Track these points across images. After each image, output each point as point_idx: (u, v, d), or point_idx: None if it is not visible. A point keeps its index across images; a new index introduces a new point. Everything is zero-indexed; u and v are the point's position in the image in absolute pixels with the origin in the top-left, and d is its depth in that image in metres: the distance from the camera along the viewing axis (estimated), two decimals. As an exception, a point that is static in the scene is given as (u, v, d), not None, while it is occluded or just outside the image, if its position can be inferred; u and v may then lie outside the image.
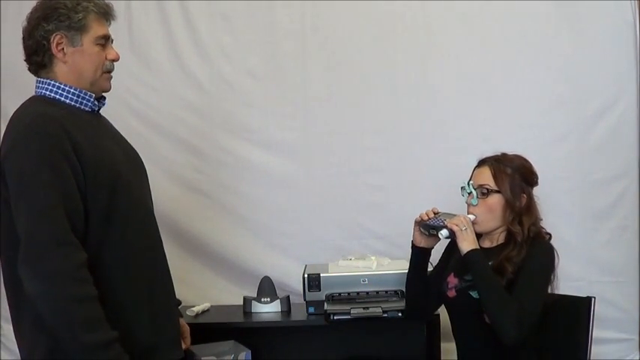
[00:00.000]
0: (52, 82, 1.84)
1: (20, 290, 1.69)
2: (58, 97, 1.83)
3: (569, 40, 3.01)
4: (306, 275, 2.69)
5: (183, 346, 2.06)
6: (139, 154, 2.01)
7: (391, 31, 3.07)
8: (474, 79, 3.04)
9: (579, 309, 2.22)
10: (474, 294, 2.09)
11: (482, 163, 2.22)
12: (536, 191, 2.21)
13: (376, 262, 2.74)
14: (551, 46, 3.01)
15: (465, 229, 2.11)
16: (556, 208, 2.61)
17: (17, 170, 1.70)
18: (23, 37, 1.86)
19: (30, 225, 1.66)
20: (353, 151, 3.09)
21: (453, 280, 2.19)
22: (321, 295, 2.67)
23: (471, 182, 2.19)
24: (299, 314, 2.77)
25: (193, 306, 2.85)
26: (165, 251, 1.98)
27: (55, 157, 1.69)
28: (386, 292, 2.65)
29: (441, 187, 2.75)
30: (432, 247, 2.26)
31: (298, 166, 3.10)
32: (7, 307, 1.81)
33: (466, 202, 2.20)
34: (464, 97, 3.03)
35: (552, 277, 2.12)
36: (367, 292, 2.65)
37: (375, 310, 2.54)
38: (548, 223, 2.22)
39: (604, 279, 2.99)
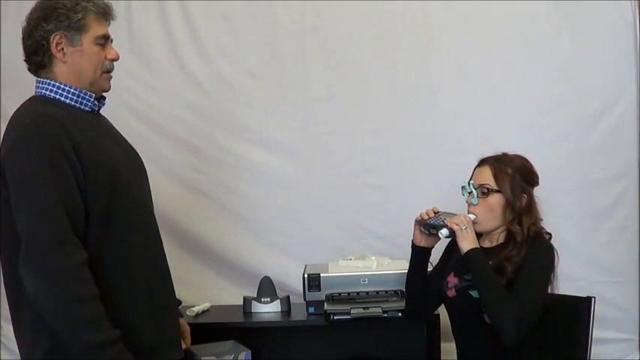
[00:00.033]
0: (52, 82, 1.84)
1: (20, 290, 1.69)
2: (58, 97, 1.83)
3: (569, 40, 3.01)
4: (306, 275, 2.69)
5: (184, 346, 2.06)
6: (139, 154, 2.01)
7: (391, 31, 3.07)
8: (474, 79, 3.04)
9: (579, 309, 2.21)
10: (474, 293, 2.09)
11: (482, 162, 2.22)
12: (536, 191, 2.21)
13: (376, 262, 2.74)
14: (551, 46, 3.02)
15: (465, 228, 2.11)
16: (556, 208, 2.61)
17: (17, 170, 1.70)
18: (23, 38, 1.86)
19: (30, 224, 1.66)
20: (353, 151, 3.09)
21: (452, 280, 2.19)
22: (321, 295, 2.67)
23: (472, 182, 2.19)
24: (299, 314, 2.77)
25: (193, 306, 2.85)
26: (166, 251, 1.98)
27: (55, 157, 1.69)
28: (386, 292, 2.65)
29: (441, 187, 2.75)
30: (432, 247, 2.26)
31: (298, 166, 3.10)
32: (7, 307, 1.81)
33: (466, 202, 2.19)
34: (464, 97, 3.04)
35: (552, 276, 2.12)
36: (367, 292, 2.65)
37: (375, 310, 2.54)
38: (548, 223, 2.22)
39: (604, 279, 2.99)
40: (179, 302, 2.12)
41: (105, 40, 1.89)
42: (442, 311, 2.41)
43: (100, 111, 1.95)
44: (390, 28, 3.07)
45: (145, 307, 1.83)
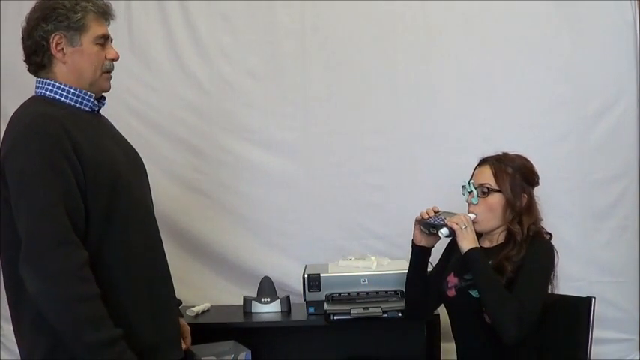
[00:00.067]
0: (52, 82, 1.84)
1: (20, 290, 1.69)
2: (58, 97, 1.83)
3: (569, 40, 3.01)
4: (306, 275, 2.69)
5: (184, 346, 2.06)
6: (139, 154, 2.01)
7: (391, 31, 3.07)
8: (474, 79, 3.04)
9: (579, 309, 2.21)
10: (474, 293, 2.09)
11: (483, 162, 2.22)
12: (536, 191, 2.21)
13: (376, 262, 2.74)
14: (551, 46, 3.02)
15: (465, 227, 2.11)
16: (556, 208, 2.61)
17: (17, 170, 1.70)
18: (22, 38, 1.86)
19: (31, 224, 1.66)
20: (353, 151, 3.09)
21: (452, 279, 2.19)
22: (321, 295, 2.67)
23: (472, 181, 2.19)
24: (299, 314, 2.77)
25: (193, 306, 2.85)
26: (166, 251, 1.98)
27: (55, 157, 1.69)
28: (386, 292, 2.65)
29: (441, 186, 2.75)
30: (432, 246, 2.26)
31: (298, 166, 3.10)
32: (7, 307, 1.81)
33: (466, 201, 2.19)
34: (464, 97, 3.04)
35: (552, 275, 2.12)
36: (367, 292, 2.66)
37: (375, 310, 2.54)
38: (548, 223, 2.22)
39: (604, 279, 2.99)
40: (179, 302, 2.12)
41: (105, 40, 1.89)
42: (442, 311, 2.41)
43: (100, 111, 1.95)
44: (390, 28, 3.07)
45: (145, 307, 1.83)
